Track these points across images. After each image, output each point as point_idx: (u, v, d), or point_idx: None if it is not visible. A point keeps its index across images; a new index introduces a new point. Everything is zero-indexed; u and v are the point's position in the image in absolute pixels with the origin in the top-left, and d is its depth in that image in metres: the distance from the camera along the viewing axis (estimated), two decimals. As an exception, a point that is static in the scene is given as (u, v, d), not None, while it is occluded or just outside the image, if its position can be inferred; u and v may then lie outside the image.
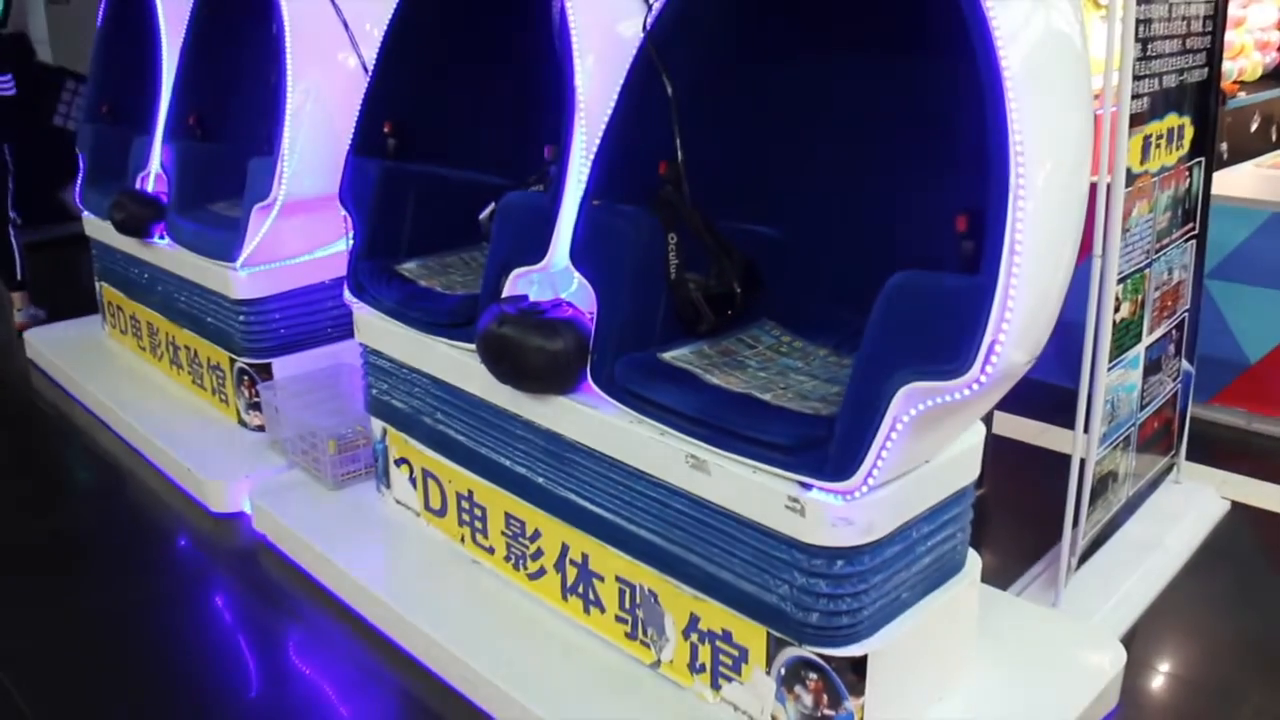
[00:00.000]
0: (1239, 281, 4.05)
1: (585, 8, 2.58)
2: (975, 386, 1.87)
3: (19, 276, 5.35)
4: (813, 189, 2.59)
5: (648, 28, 2.41)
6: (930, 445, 2.16)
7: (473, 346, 2.63)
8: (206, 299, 3.86)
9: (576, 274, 2.51)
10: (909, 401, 1.94)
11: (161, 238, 4.08)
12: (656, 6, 2.41)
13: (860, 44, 2.43)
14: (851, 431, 1.99)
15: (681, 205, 2.44)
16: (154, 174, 4.22)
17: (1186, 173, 3.14)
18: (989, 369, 1.85)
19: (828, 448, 2.02)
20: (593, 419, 2.45)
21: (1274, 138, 8.13)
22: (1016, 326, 1.85)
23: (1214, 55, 3.17)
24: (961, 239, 2.02)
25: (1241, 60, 7.40)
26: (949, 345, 1.87)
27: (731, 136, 2.59)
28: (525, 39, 3.17)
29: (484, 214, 2.90)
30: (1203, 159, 3.23)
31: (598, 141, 2.49)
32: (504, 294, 2.63)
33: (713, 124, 2.53)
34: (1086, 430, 2.79)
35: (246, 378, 3.74)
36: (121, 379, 4.48)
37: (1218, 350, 4.03)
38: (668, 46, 2.40)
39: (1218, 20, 3.16)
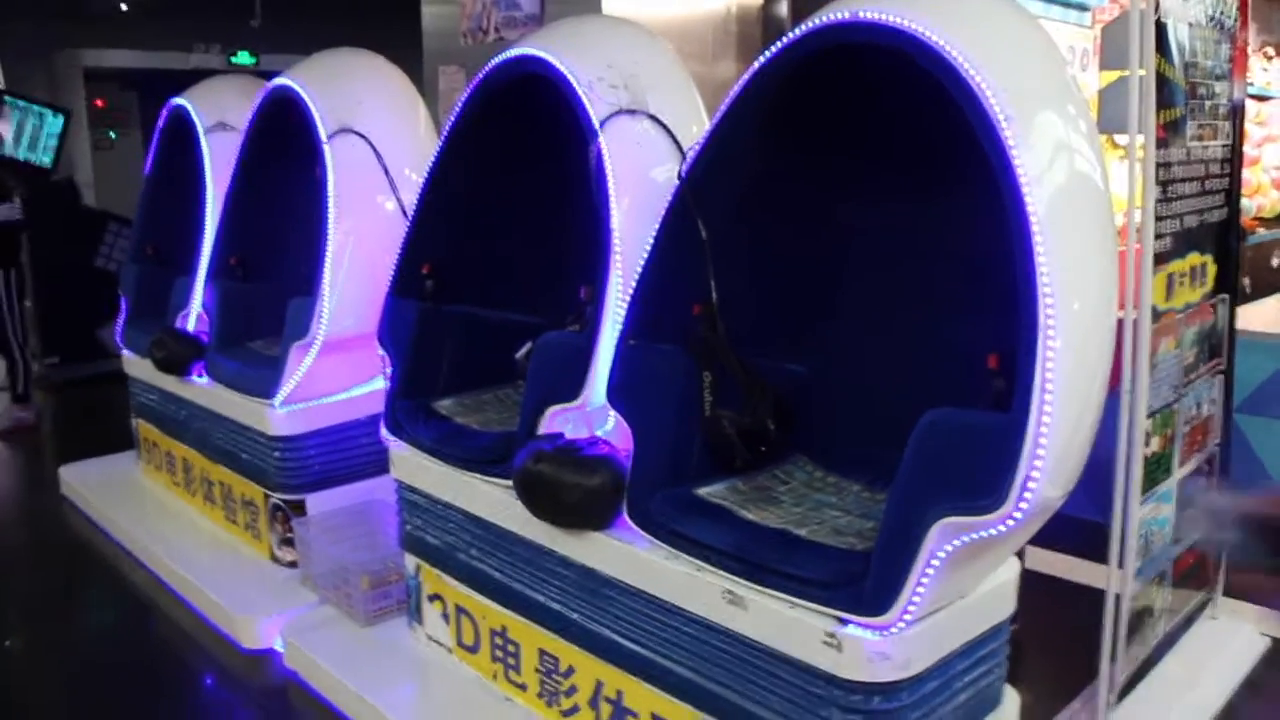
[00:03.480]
0: (1268, 415, 4.05)
1: (622, 153, 2.69)
2: (1010, 522, 1.89)
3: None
4: (844, 327, 2.65)
5: (683, 174, 2.50)
6: (966, 580, 2.16)
7: (509, 483, 2.66)
8: (243, 435, 3.92)
9: (613, 412, 2.56)
10: (944, 537, 1.95)
11: (200, 375, 4.17)
12: (692, 154, 2.50)
13: (891, 186, 2.51)
14: (887, 566, 2.00)
15: (716, 344, 2.50)
16: (195, 313, 4.34)
17: (1211, 309, 3.19)
18: (1023, 505, 1.87)
19: (864, 583, 2.03)
20: (629, 555, 2.46)
21: (1294, 272, 8.20)
22: (1049, 462, 1.88)
23: (1232, 195, 3.25)
24: (993, 377, 2.06)
25: (1259, 198, 7.53)
26: (983, 481, 1.90)
27: (764, 276, 2.67)
28: (560, 182, 3.28)
29: (520, 353, 2.97)
30: (1227, 295, 3.28)
31: (634, 282, 2.56)
32: (540, 431, 2.67)
33: (746, 264, 2.61)
34: (1121, 565, 2.78)
35: (280, 513, 3.77)
36: (154, 514, 4.52)
37: (1249, 484, 4.01)
38: (702, 191, 2.49)
39: (1234, 162, 3.26)
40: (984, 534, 1.93)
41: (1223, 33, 3.14)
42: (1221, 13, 3.13)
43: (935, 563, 1.97)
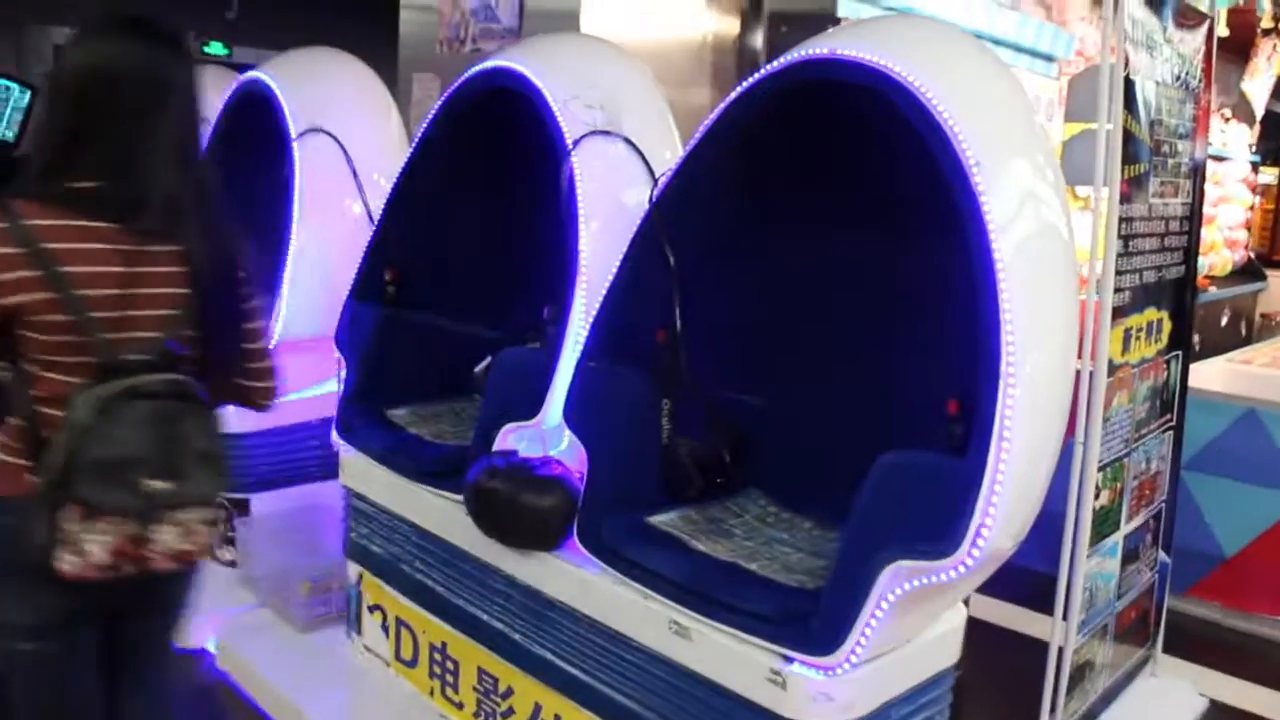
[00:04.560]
0: (1215, 474, 4.10)
1: (594, 175, 2.67)
2: (961, 569, 1.89)
3: None
4: (805, 363, 2.64)
5: (653, 200, 2.49)
6: (913, 625, 2.16)
7: (460, 497, 2.63)
8: (189, 431, 3.84)
9: (568, 432, 2.53)
10: (895, 580, 1.95)
11: (150, 367, 4.09)
12: (664, 180, 2.50)
13: (857, 223, 2.52)
14: (837, 606, 1.99)
15: (677, 372, 2.49)
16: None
17: (1164, 365, 3.22)
18: (975, 552, 1.87)
19: (812, 621, 2.02)
20: (576, 578, 2.44)
21: (1243, 332, 8.36)
22: (1003, 510, 1.88)
23: (1190, 253, 3.30)
24: (950, 422, 2.06)
25: (1212, 256, 7.67)
26: (937, 526, 1.90)
27: (728, 307, 2.66)
28: (528, 198, 3.26)
29: (480, 367, 2.95)
30: (1180, 353, 3.32)
31: (598, 304, 2.54)
32: (494, 448, 2.65)
33: (710, 294, 2.60)
34: (1065, 617, 2.79)
35: (223, 511, 3.70)
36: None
37: (1193, 542, 4.05)
38: (672, 218, 2.48)
39: (1194, 221, 3.30)
40: (934, 579, 1.92)
41: (1187, 93, 3.19)
42: (1186, 73, 3.18)
43: (885, 605, 1.96)
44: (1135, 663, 3.40)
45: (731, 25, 4.67)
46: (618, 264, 2.53)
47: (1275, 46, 7.48)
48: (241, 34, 8.67)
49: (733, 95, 2.35)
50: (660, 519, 2.42)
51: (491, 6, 4.54)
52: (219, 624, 3.38)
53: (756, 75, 2.30)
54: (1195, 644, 3.88)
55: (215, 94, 4.26)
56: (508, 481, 2.47)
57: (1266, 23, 7.15)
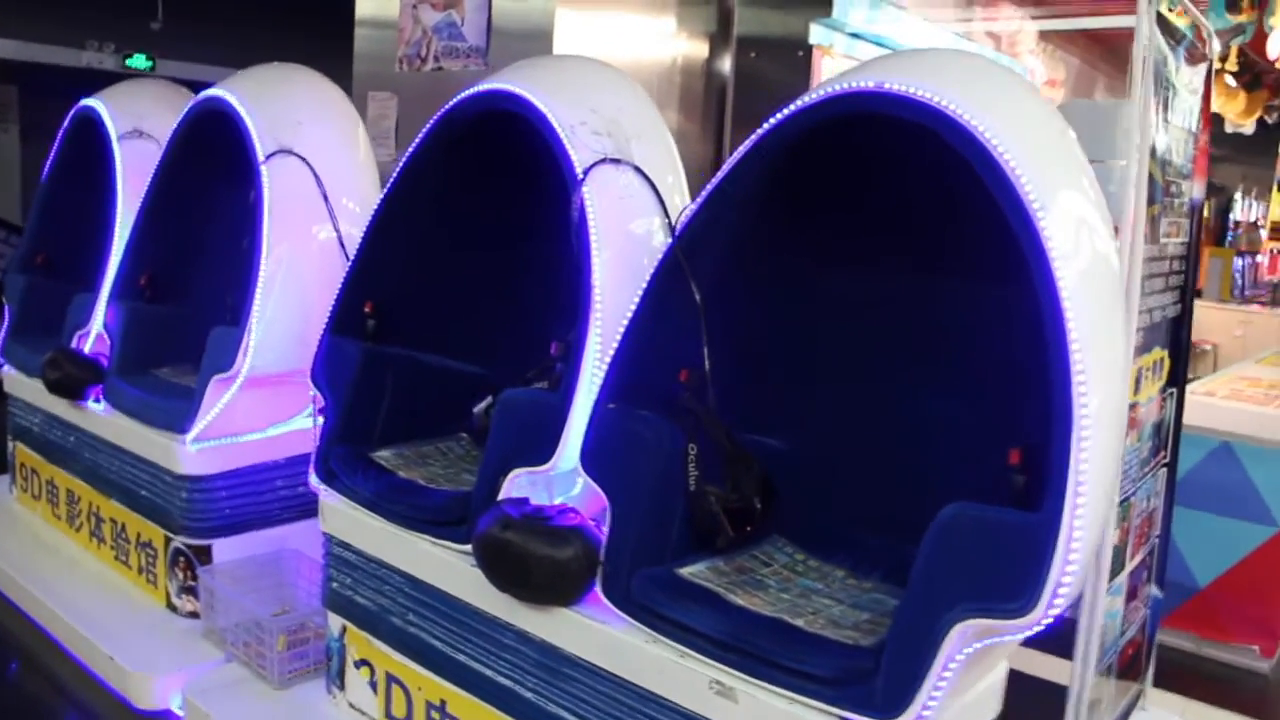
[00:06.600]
0: (1188, 507, 4.10)
1: (605, 205, 2.54)
2: (1039, 626, 1.81)
3: None
4: (829, 405, 2.54)
5: (676, 234, 2.37)
6: (970, 681, 2.07)
7: (463, 547, 2.48)
8: (143, 471, 3.61)
9: (583, 478, 2.40)
10: (963, 639, 1.85)
11: (97, 401, 3.84)
12: (688, 212, 2.38)
13: (898, 262, 2.43)
14: (903, 666, 1.89)
15: (704, 415, 2.37)
16: (94, 334, 4.00)
17: (1163, 403, 3.20)
18: (1053, 609, 1.79)
19: (874, 681, 1.91)
20: (599, 634, 2.29)
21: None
22: (1080, 562, 1.80)
23: (1186, 292, 3.29)
24: (1013, 472, 1.98)
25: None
26: (1011, 584, 1.81)
27: (750, 347, 2.55)
28: (522, 229, 3.13)
29: (480, 407, 2.79)
30: (1175, 389, 3.30)
31: (613, 341, 2.41)
32: (502, 494, 2.49)
33: (732, 333, 2.49)
34: (1085, 659, 2.74)
35: (183, 558, 3.47)
36: (30, 549, 4.13)
37: (1168, 574, 4.05)
38: (695, 252, 2.37)
39: (1190, 260, 3.29)
40: (1007, 637, 1.84)
41: (1189, 133, 3.18)
42: (1189, 111, 3.17)
43: (953, 665, 1.86)
44: (1131, 698, 3.37)
45: (700, 49, 4.60)
46: (635, 299, 2.40)
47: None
48: (167, 46, 8.32)
49: (766, 126, 2.24)
50: (690, 571, 2.29)
51: (456, 24, 4.40)
52: (184, 682, 3.15)
53: (792, 106, 2.20)
54: (1175, 674, 3.87)
55: (165, 110, 4.07)
56: (523, 532, 2.32)
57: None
